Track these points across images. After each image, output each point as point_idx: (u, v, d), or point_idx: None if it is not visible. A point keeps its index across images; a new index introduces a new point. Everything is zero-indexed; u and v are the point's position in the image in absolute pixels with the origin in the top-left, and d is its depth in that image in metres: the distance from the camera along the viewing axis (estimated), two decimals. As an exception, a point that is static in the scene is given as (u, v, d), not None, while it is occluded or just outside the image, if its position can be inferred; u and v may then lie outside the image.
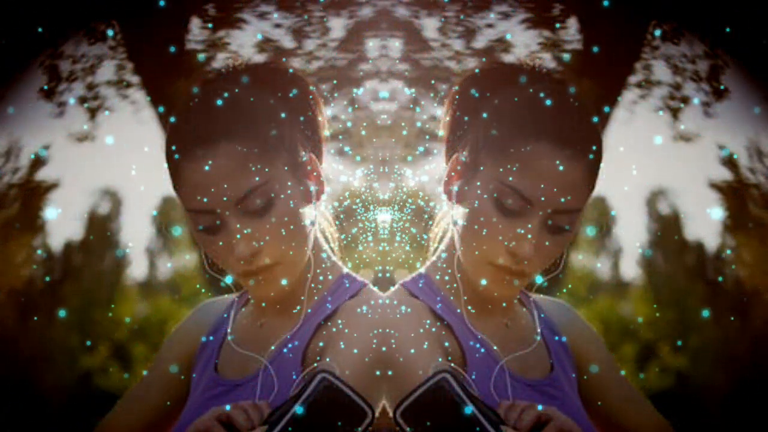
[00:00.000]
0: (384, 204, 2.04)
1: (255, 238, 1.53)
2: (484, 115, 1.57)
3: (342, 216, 1.79)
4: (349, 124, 2.36)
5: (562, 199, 1.52)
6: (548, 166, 1.51)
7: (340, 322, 1.58)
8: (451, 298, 1.63)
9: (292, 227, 1.55)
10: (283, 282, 1.58)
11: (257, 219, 1.53)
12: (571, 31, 2.83)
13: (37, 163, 2.84)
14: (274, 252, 1.54)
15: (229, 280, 1.62)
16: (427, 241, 1.75)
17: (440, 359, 1.52)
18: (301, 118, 1.61)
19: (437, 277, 1.65)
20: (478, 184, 1.55)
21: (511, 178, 1.52)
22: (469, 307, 1.62)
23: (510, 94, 1.56)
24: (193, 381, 1.70)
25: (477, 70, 1.66)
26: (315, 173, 1.61)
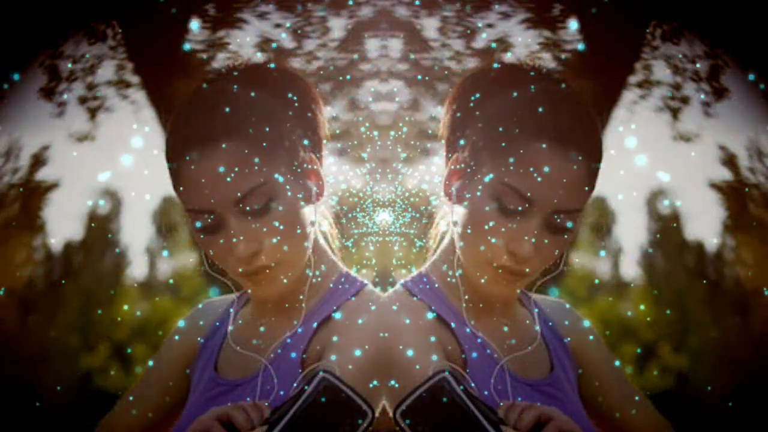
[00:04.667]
0: (384, 204, 2.04)
1: (255, 238, 1.53)
2: (484, 115, 1.57)
3: (342, 216, 1.79)
4: (344, 121, 2.36)
5: (562, 200, 1.52)
6: (548, 166, 1.51)
7: (340, 322, 1.58)
8: (451, 297, 1.63)
9: (292, 227, 1.55)
10: (284, 282, 1.58)
11: (257, 219, 1.53)
12: (571, 31, 2.83)
13: (37, 163, 2.84)
14: (274, 252, 1.54)
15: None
16: (427, 241, 1.75)
17: (440, 359, 1.53)
18: (301, 118, 1.61)
19: (437, 277, 1.65)
20: (479, 184, 1.55)
21: (511, 178, 1.52)
22: (469, 307, 1.63)
23: (510, 94, 1.56)
24: (192, 381, 1.70)
25: (477, 70, 1.66)
26: (315, 173, 1.61)
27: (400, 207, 2.02)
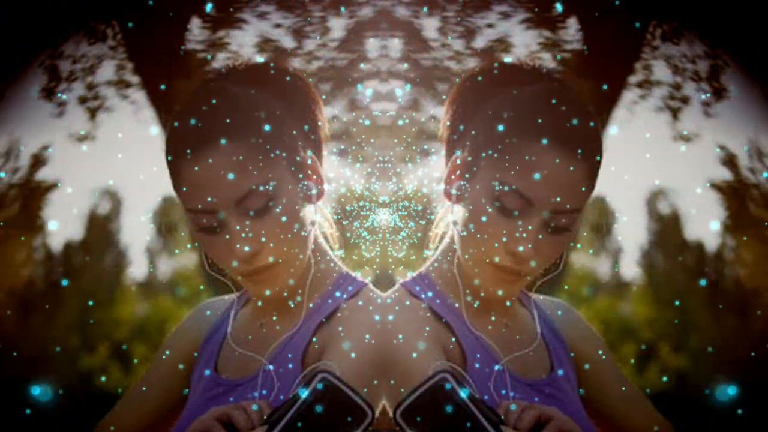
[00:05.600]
0: (384, 204, 2.04)
1: (255, 238, 1.53)
2: (484, 115, 1.57)
3: (342, 216, 1.79)
4: (344, 121, 2.36)
5: (562, 200, 1.52)
6: (548, 166, 1.51)
7: (340, 322, 1.58)
8: (451, 298, 1.63)
9: (292, 227, 1.54)
10: (283, 282, 1.58)
11: (257, 219, 1.53)
12: (571, 31, 2.83)
13: (37, 163, 2.84)
14: (274, 252, 1.54)
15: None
16: (427, 241, 1.75)
17: (440, 359, 1.53)
18: (301, 118, 1.61)
19: (437, 277, 1.65)
20: (478, 184, 1.55)
21: (511, 179, 1.52)
22: (470, 307, 1.62)
23: (510, 95, 1.56)
24: (192, 381, 1.70)
25: (477, 70, 1.66)
26: (315, 173, 1.61)
27: (400, 207, 2.03)
